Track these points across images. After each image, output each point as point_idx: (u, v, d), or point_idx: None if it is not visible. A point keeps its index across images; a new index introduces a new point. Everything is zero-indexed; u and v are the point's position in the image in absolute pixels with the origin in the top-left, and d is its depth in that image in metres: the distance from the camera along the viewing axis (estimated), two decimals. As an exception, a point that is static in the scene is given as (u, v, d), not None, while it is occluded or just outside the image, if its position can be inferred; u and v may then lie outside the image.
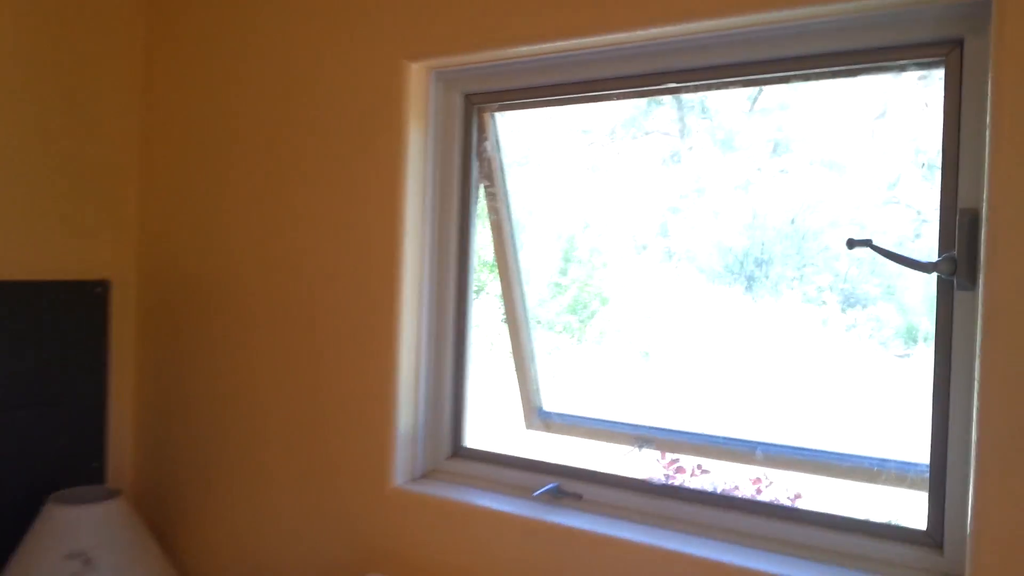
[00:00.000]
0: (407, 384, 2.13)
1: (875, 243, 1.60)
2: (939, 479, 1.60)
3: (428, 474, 2.21)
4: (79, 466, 2.61)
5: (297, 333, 2.30)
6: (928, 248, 1.67)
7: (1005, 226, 1.41)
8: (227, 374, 2.47)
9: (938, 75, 1.59)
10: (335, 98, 2.18)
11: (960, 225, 1.53)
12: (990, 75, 1.43)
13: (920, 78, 1.73)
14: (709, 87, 1.85)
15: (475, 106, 2.12)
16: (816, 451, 2.05)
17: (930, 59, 1.59)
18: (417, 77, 2.07)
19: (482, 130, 2.14)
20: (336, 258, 2.19)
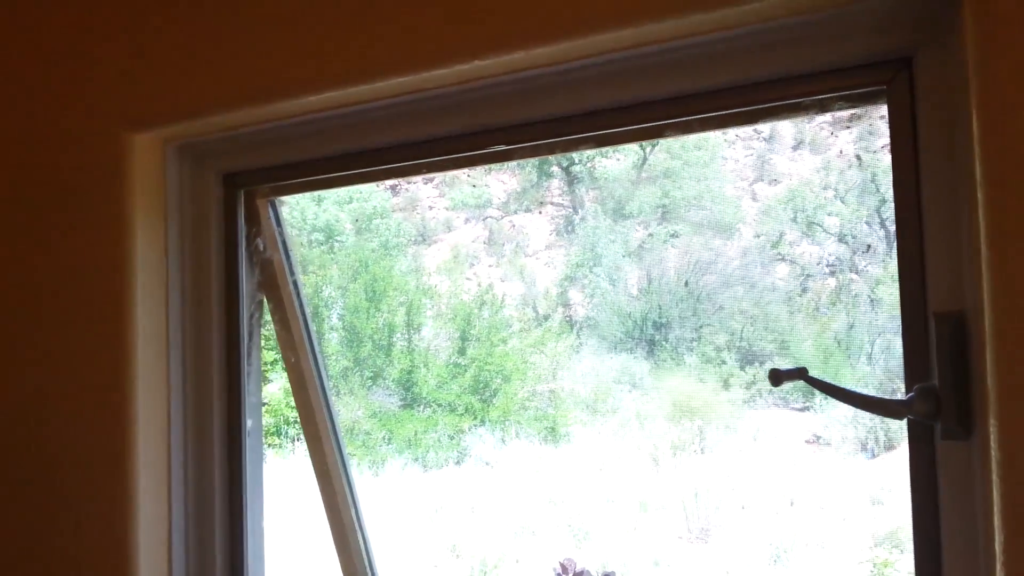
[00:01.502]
0: (153, 558, 1.40)
1: (809, 374, 1.00)
2: None
3: None
4: None
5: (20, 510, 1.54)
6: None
7: (1016, 335, 0.84)
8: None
9: (875, 113, 1.04)
10: (35, 186, 1.48)
11: (938, 339, 0.95)
12: (973, 97, 0.87)
13: (846, 124, 1.18)
14: (551, 148, 1.24)
15: (240, 190, 1.46)
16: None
17: (864, 89, 1.03)
18: (148, 153, 1.40)
19: (254, 222, 1.48)
20: (53, 406, 1.47)
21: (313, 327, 1.53)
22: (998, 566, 0.86)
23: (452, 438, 10.01)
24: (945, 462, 0.97)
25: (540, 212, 19.26)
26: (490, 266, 18.40)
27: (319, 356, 1.52)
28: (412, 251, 17.50)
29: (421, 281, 13.51)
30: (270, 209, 1.50)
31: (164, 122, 1.35)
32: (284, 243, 1.51)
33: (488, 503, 8.46)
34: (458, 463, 9.73)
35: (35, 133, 1.47)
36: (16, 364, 1.48)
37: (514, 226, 19.45)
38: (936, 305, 0.97)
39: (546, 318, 15.96)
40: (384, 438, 9.83)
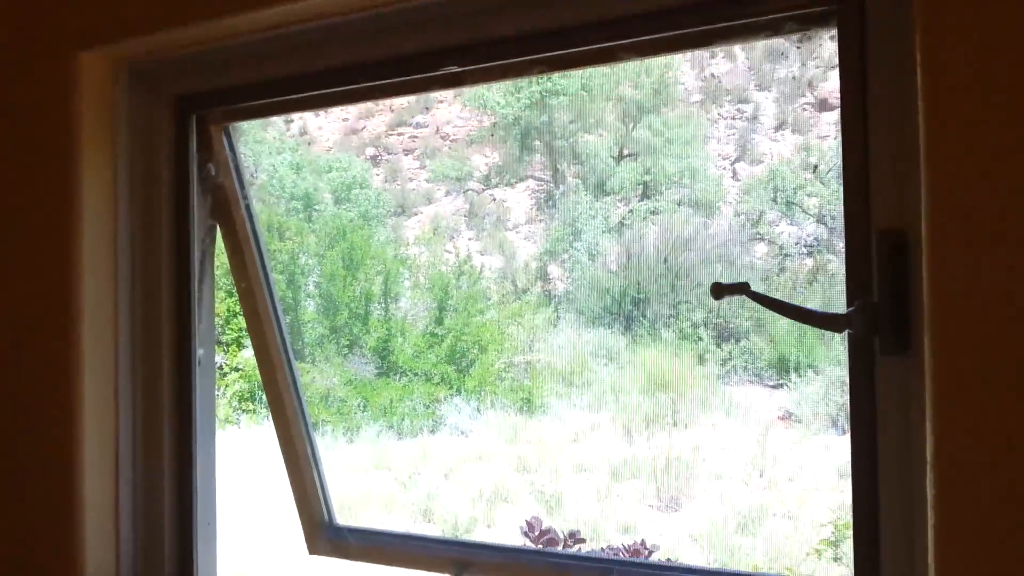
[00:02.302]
0: (99, 508, 1.39)
1: (752, 289, 1.00)
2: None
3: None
4: None
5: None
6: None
7: (958, 251, 0.84)
8: None
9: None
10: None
11: (879, 254, 0.95)
12: (918, 22, 0.87)
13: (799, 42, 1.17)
14: (504, 72, 1.23)
15: (192, 114, 1.43)
16: (683, 568, 1.46)
17: (815, 9, 1.02)
18: (97, 73, 1.37)
19: (206, 148, 1.46)
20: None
21: (266, 253, 1.51)
22: (928, 471, 0.87)
23: (427, 407, 10.03)
24: (883, 377, 0.98)
25: (521, 185, 19.22)
26: (470, 239, 18.36)
27: (271, 281, 1.50)
28: (392, 222, 17.42)
29: (400, 252, 13.47)
30: (223, 135, 1.48)
31: (114, 39, 1.33)
32: (237, 169, 1.49)
33: (462, 471, 8.50)
34: (433, 432, 9.75)
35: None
36: None
37: (495, 199, 19.40)
38: (878, 223, 0.98)
39: (525, 291, 15.99)
40: (359, 405, 9.82)
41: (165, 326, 1.43)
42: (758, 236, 18.14)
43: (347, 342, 10.87)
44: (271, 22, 1.27)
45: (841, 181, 1.01)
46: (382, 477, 8.26)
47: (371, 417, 9.67)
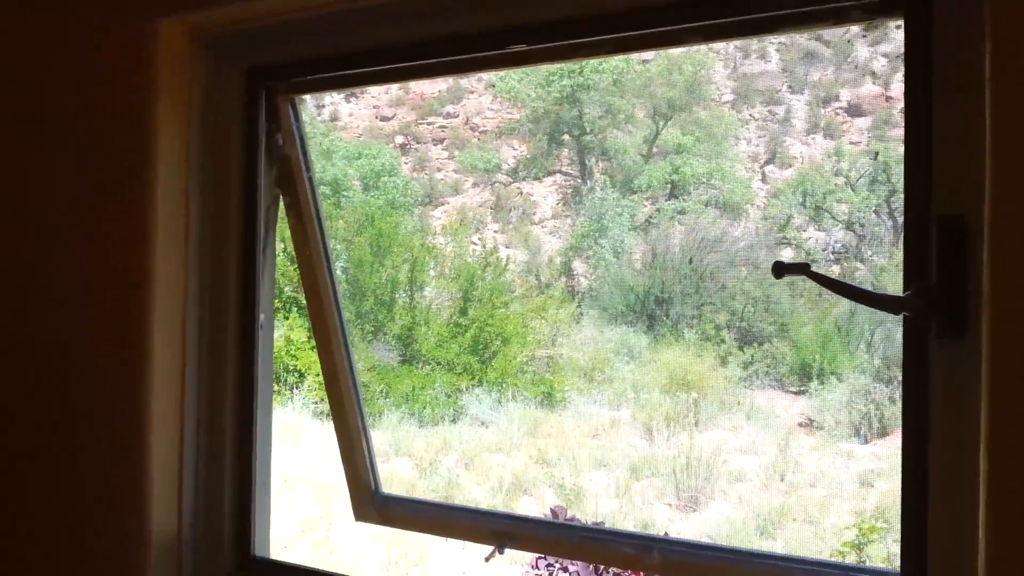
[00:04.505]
0: (165, 475, 1.45)
1: (814, 270, 1.04)
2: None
3: (200, 596, 1.52)
4: None
5: (26, 405, 1.59)
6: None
7: (1015, 240, 0.87)
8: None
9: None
10: (52, 77, 1.50)
11: (939, 240, 0.98)
12: (988, 14, 0.90)
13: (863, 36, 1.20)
14: (573, 51, 1.26)
15: (263, 85, 1.49)
16: (729, 550, 1.48)
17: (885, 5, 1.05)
18: (174, 41, 1.43)
19: (274, 118, 1.51)
20: (61, 303, 1.50)
21: (326, 224, 1.56)
22: (982, 462, 0.90)
23: (449, 396, 10.11)
24: (938, 362, 1.01)
25: (549, 179, 19.22)
26: (495, 231, 18.41)
27: (329, 250, 1.55)
28: (419, 211, 17.52)
29: (426, 240, 13.55)
30: (289, 107, 1.53)
31: (191, 8, 1.38)
32: (302, 140, 1.54)
33: (482, 460, 8.56)
34: (454, 421, 9.82)
35: (58, 20, 1.50)
36: (46, 243, 1.52)
37: (522, 193, 19.44)
38: (938, 208, 1.00)
39: (548, 286, 16.01)
40: (382, 391, 9.91)
41: (231, 290, 1.48)
42: (785, 240, 18.06)
43: (372, 328, 10.97)
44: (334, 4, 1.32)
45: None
46: (403, 464, 8.35)
47: (393, 403, 9.76)
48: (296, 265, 1.63)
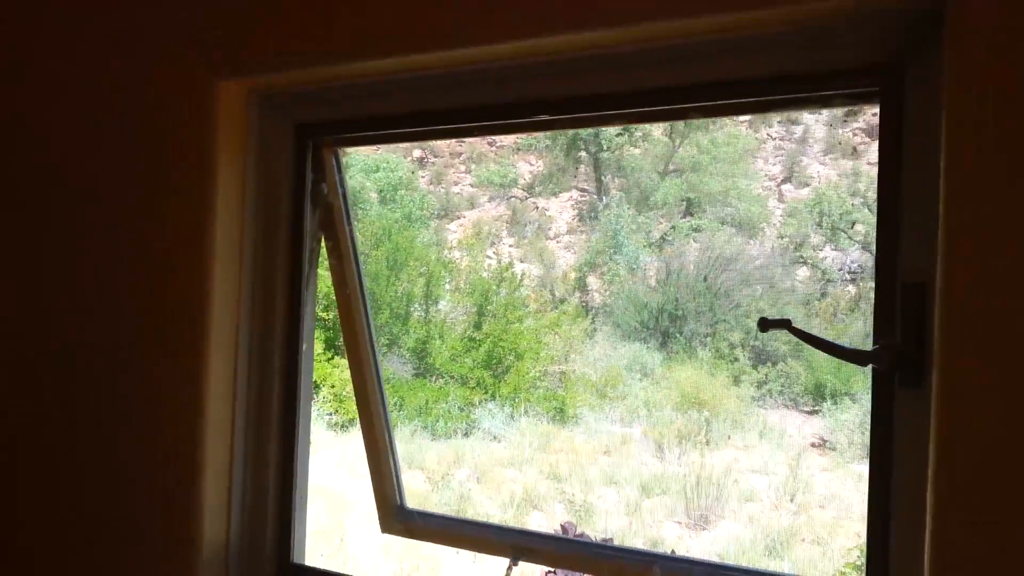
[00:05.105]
0: (216, 488, 1.62)
1: (794, 325, 1.20)
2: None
3: (242, 602, 1.69)
4: None
5: (74, 424, 1.77)
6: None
7: (963, 306, 1.03)
8: None
9: (871, 112, 1.23)
10: (127, 124, 1.68)
11: (903, 304, 1.14)
12: (944, 110, 1.06)
13: (845, 118, 1.36)
14: (590, 121, 1.44)
15: (310, 140, 1.67)
16: (726, 567, 1.64)
17: (862, 88, 1.22)
18: (233, 100, 1.61)
19: (319, 169, 1.69)
20: (125, 328, 1.68)
21: (362, 264, 1.74)
22: (928, 494, 1.06)
23: (462, 410, 10.27)
24: (901, 408, 1.17)
25: (565, 195, 19.39)
26: (511, 246, 18.60)
27: (365, 288, 1.73)
28: (435, 224, 17.74)
29: (442, 254, 13.74)
30: (333, 159, 1.71)
31: (249, 72, 1.56)
32: (343, 190, 1.72)
33: (494, 475, 8.71)
34: (466, 435, 9.98)
35: (133, 77, 1.68)
36: (112, 273, 1.70)
37: (537, 208, 19.64)
38: (905, 277, 1.17)
39: (562, 301, 16.16)
40: (396, 404, 10.09)
41: (278, 321, 1.66)
42: (801, 260, 18.14)
43: (387, 341, 11.16)
44: (382, 69, 1.49)
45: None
46: (415, 476, 8.51)
47: (406, 416, 9.94)
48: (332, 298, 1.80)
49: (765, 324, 1.18)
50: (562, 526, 4.06)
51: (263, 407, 1.67)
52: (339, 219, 1.72)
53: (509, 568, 1.88)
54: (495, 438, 10.00)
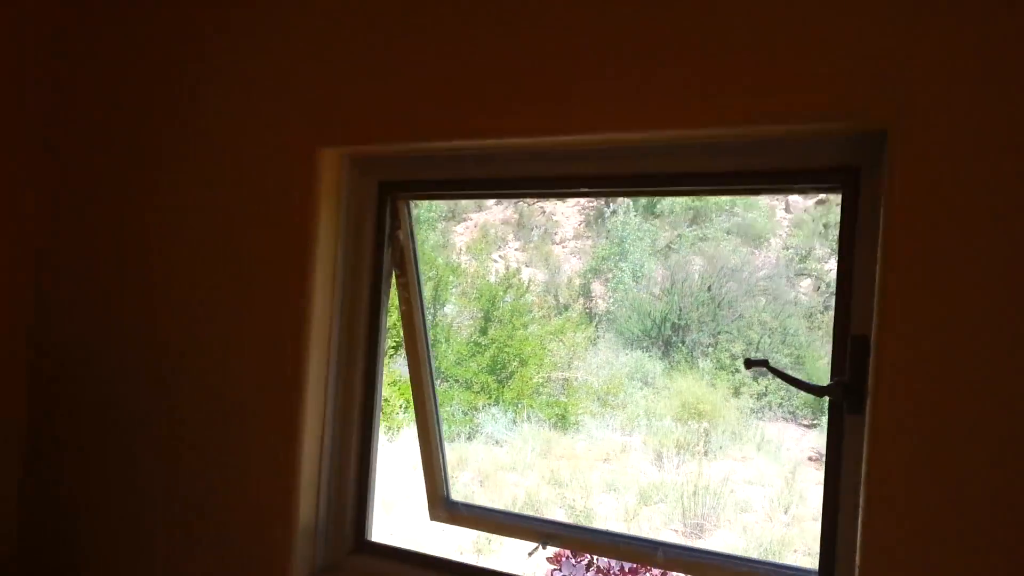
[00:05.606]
0: (309, 470, 2.06)
1: (771, 364, 1.63)
2: (827, 598, 1.62)
3: (329, 569, 2.13)
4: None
5: (194, 420, 2.21)
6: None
7: (891, 355, 1.46)
8: (115, 462, 2.36)
9: (837, 199, 1.66)
10: (246, 179, 2.14)
11: (851, 350, 1.57)
12: (883, 207, 1.49)
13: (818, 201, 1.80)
14: (616, 194, 1.87)
15: (389, 194, 2.11)
16: (715, 554, 2.07)
17: (829, 185, 1.65)
18: (330, 163, 2.06)
19: (396, 218, 2.13)
20: (239, 341, 2.13)
21: (424, 293, 2.18)
22: (861, 491, 1.49)
23: (466, 414, 10.69)
24: (848, 429, 1.60)
25: (571, 201, 19.76)
26: (516, 249, 18.99)
27: (425, 312, 2.17)
28: (441, 227, 18.16)
29: (449, 258, 14.15)
30: (407, 209, 2.15)
31: (347, 142, 2.00)
32: (412, 234, 2.16)
33: (496, 479, 9.13)
34: (469, 438, 10.40)
35: (254, 144, 2.13)
36: (234, 299, 2.15)
37: (544, 212, 20.07)
38: (854, 330, 1.59)
39: (566, 307, 16.55)
40: (401, 406, 10.51)
41: (360, 338, 2.11)
42: (804, 271, 18.53)
43: (393, 343, 11.58)
44: (449, 147, 1.94)
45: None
46: (420, 478, 8.90)
47: (411, 419, 10.35)
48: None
49: (748, 363, 1.61)
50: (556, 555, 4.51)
51: (347, 409, 2.12)
52: (408, 258, 2.16)
53: (535, 549, 2.32)
54: (497, 442, 10.41)
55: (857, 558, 1.48)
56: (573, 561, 4.53)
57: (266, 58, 2.13)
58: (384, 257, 2.12)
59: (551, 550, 4.31)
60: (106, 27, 2.45)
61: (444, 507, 2.28)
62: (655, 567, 2.30)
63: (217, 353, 2.16)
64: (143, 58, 2.36)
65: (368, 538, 2.15)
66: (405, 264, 2.15)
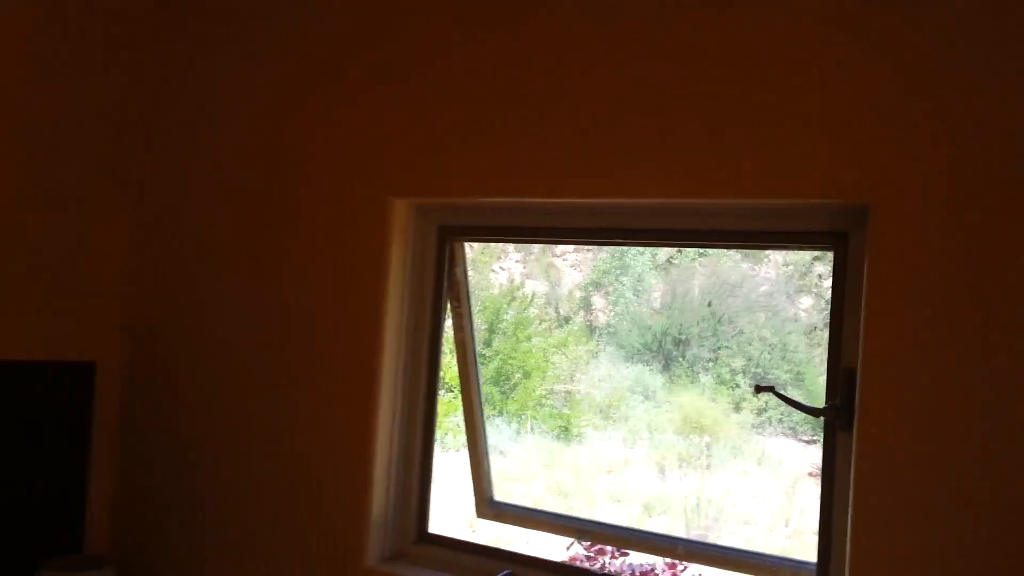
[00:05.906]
0: (381, 470, 2.47)
1: (777, 390, 2.03)
2: (820, 583, 2.02)
3: (396, 557, 2.53)
4: (58, 538, 2.84)
5: (282, 424, 2.62)
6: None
7: (874, 385, 1.85)
8: (208, 452, 2.77)
9: (830, 256, 2.06)
10: (334, 221, 2.55)
11: (841, 380, 1.97)
12: (866, 266, 1.89)
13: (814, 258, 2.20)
14: (645, 245, 2.28)
15: (448, 236, 2.52)
16: (728, 548, 2.46)
17: (823, 245, 2.05)
18: (400, 211, 2.47)
19: (453, 257, 2.53)
20: (323, 358, 2.54)
21: (476, 321, 2.58)
22: (851, 497, 1.88)
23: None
24: (839, 445, 2.00)
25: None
26: (517, 261, 19.31)
27: (475, 337, 2.57)
28: (444, 239, 18.48)
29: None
30: (463, 249, 2.55)
31: (415, 194, 2.41)
32: (465, 270, 2.56)
33: (501, 489, 9.46)
34: (475, 449, 10.71)
35: (331, 196, 2.55)
36: (321, 322, 2.57)
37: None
38: (844, 363, 1.99)
39: (567, 320, 16.85)
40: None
41: (423, 360, 2.52)
42: (804, 287, 18.86)
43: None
44: (501, 201, 2.34)
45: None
46: (467, 481, 9.19)
47: (444, 431, 10.66)
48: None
49: (758, 389, 2.01)
50: None
51: (411, 415, 2.54)
52: (463, 291, 2.56)
53: (571, 544, 2.73)
54: (502, 453, 10.73)
55: (847, 557, 1.87)
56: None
57: (354, 125, 2.55)
58: (442, 290, 2.53)
59: (587, 546, 4.65)
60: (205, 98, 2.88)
61: (488, 506, 2.67)
62: (677, 559, 2.69)
63: (310, 370, 2.57)
64: (255, 115, 2.79)
65: (428, 530, 2.55)
66: (460, 297, 2.56)
